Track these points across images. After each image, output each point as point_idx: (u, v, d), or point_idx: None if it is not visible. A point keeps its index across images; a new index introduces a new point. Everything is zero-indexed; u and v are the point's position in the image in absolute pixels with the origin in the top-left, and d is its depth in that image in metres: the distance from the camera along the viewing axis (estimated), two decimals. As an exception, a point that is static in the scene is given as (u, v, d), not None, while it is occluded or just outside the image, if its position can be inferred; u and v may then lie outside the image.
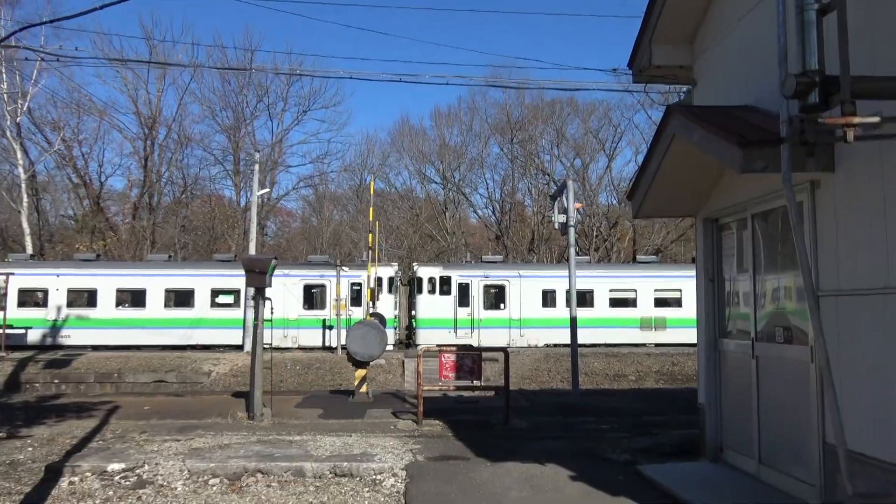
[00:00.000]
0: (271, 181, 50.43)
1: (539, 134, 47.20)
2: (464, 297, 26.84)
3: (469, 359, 10.26)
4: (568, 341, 25.52)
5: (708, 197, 7.37)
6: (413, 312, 28.02)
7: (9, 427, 10.19)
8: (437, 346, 26.33)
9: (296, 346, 26.15)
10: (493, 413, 11.33)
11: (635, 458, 7.95)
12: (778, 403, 6.21)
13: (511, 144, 47.18)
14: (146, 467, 7.42)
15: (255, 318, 11.07)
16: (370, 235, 18.92)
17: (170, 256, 29.79)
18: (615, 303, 27.17)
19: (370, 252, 19.40)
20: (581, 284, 26.94)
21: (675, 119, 6.26)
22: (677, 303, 26.85)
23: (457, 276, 27.01)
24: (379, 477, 7.27)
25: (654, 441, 8.94)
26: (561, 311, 26.64)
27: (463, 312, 26.78)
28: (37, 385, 20.87)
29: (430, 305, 26.80)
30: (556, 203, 14.36)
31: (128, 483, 6.99)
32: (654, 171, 6.91)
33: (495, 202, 50.57)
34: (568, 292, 26.89)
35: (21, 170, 38.48)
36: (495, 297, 27.31)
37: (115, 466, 7.35)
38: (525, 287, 27.07)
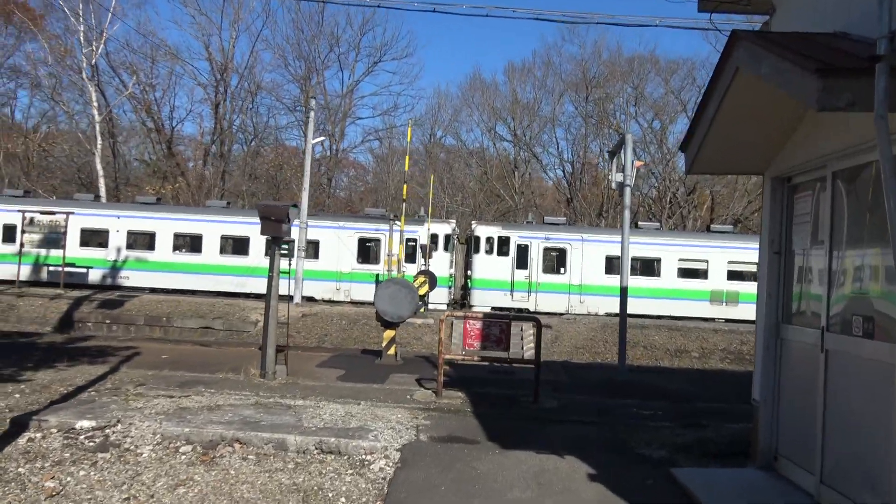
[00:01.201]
0: (340, 133, 50.03)
1: (616, 92, 44.88)
2: (522, 259, 25.69)
3: (497, 327, 9.21)
4: (632, 311, 24.28)
5: (780, 150, 5.99)
6: (469, 272, 27.09)
7: (15, 369, 9.82)
8: (492, 308, 25.53)
9: (348, 299, 25.67)
10: (525, 388, 10.27)
11: (673, 457, 6.79)
12: (850, 410, 4.93)
13: (585, 103, 45.05)
14: (119, 427, 6.75)
15: (270, 270, 10.29)
16: (405, 186, 17.86)
17: (228, 203, 29.65)
18: (684, 273, 25.50)
19: (404, 205, 18.36)
20: (647, 252, 25.50)
21: (740, 47, 4.93)
22: (752, 277, 24.90)
23: (516, 237, 25.85)
24: (369, 458, 6.38)
25: (701, 435, 7.72)
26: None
27: (521, 275, 25.67)
28: (89, 324, 21.03)
29: (487, 266, 25.79)
30: (613, 160, 12.95)
31: (91, 444, 6.33)
32: (711, 115, 5.60)
33: (566, 163, 48.73)
34: (635, 259, 25.60)
35: (96, 112, 39.08)
36: (556, 260, 26.06)
37: (84, 424, 6.72)
38: (588, 252, 25.67)
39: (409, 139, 19.72)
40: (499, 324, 9.24)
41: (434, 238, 25.67)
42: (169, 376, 9.86)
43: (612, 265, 25.77)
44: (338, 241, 25.95)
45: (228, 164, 47.53)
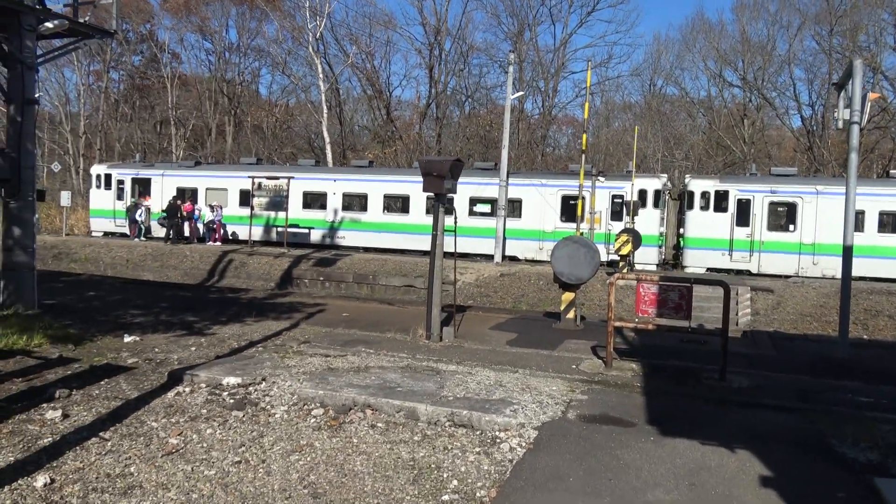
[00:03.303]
0: (553, 89, 48.88)
1: (868, 20, 38.54)
2: (742, 216, 23.14)
3: (676, 292, 8.00)
4: (883, 275, 20.96)
5: None
6: (681, 230, 25.03)
7: (207, 323, 10.50)
8: (708, 269, 23.39)
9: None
10: (717, 361, 8.94)
11: (885, 462, 5.35)
12: None
13: (830, 36, 39.31)
14: (262, 385, 6.79)
15: (434, 228, 9.94)
16: (584, 136, 16.54)
17: (435, 164, 30.06)
18: (949, 230, 21.41)
19: (583, 157, 17.03)
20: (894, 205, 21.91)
21: None
22: None
23: (735, 191, 23.30)
24: (501, 435, 5.75)
25: (935, 434, 6.08)
26: (870, 236, 21.77)
27: (741, 233, 23.17)
28: (305, 281, 22.56)
29: (702, 223, 23.59)
30: (840, 94, 10.76)
31: (231, 401, 6.39)
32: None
33: (805, 106, 43.21)
34: (885, 213, 21.97)
35: (321, 83, 41.70)
36: (783, 216, 23.12)
37: (231, 380, 6.83)
38: (824, 206, 22.41)
39: (588, 84, 18.32)
40: (678, 288, 8.03)
41: (642, 194, 23.96)
42: (338, 334, 9.95)
43: (856, 221, 22.34)
44: (540, 198, 25.25)
45: (444, 127, 48.55)
